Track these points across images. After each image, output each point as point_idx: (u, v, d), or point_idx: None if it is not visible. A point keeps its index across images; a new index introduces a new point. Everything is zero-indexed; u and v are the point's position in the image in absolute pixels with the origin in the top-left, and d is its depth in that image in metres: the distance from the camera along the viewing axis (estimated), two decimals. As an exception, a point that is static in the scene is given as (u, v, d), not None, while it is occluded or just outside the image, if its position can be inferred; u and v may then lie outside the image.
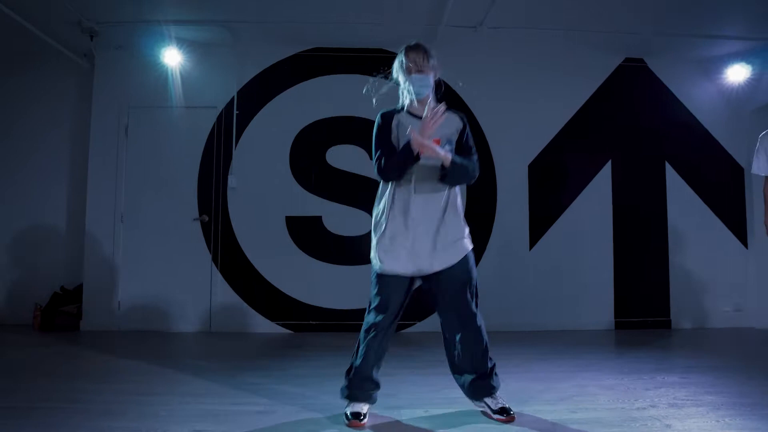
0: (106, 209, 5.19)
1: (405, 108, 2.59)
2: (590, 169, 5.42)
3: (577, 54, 5.38)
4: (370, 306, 2.55)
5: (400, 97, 2.63)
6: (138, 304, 5.14)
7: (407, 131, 2.42)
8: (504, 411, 2.48)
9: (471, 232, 2.58)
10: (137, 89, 5.25)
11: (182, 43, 5.09)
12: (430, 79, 2.53)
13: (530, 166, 5.36)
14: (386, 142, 2.53)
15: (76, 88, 5.48)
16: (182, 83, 5.23)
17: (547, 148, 5.38)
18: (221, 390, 3.00)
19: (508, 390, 3.00)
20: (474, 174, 2.58)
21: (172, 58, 5.10)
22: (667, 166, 5.44)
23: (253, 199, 5.23)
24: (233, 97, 5.30)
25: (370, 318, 2.53)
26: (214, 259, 5.20)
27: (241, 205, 5.22)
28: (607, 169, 5.41)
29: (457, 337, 2.54)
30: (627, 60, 5.48)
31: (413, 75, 2.50)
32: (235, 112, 5.29)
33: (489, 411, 2.53)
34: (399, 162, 2.44)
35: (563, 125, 5.40)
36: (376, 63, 5.24)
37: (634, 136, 5.45)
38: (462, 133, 2.59)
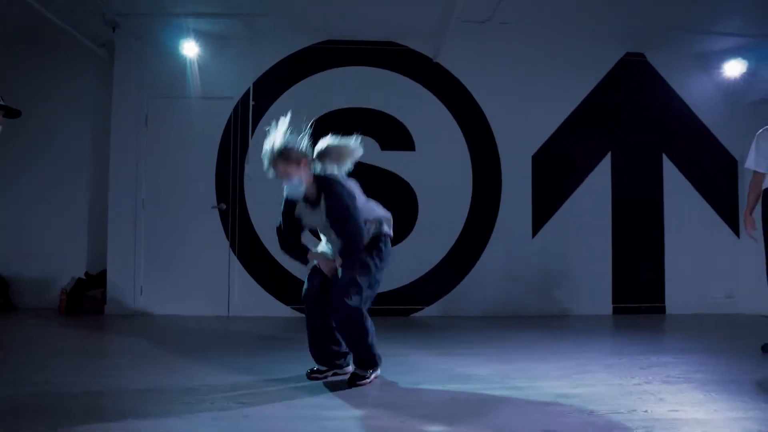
0: (127, 195, 5.37)
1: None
2: (591, 160, 5.62)
3: (581, 49, 5.56)
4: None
5: None
6: (159, 289, 5.35)
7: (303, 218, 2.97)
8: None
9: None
10: (156, 80, 5.41)
11: (200, 35, 5.26)
12: (298, 180, 2.81)
13: (534, 158, 5.56)
14: (290, 215, 3.01)
15: (96, 78, 5.63)
16: (200, 74, 5.38)
17: (550, 140, 5.58)
18: (228, 368, 3.25)
19: (517, 367, 3.28)
20: (355, 239, 2.82)
21: (190, 49, 5.26)
22: (665, 157, 5.66)
23: (270, 187, 5.36)
24: (249, 88, 5.47)
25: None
26: (232, 246, 5.41)
27: (258, 193, 5.42)
28: (607, 161, 5.62)
29: None
30: (628, 54, 5.66)
31: (285, 183, 2.84)
32: (251, 102, 5.46)
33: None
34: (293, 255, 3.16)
35: (565, 118, 5.59)
36: (387, 56, 5.49)
37: (633, 129, 5.65)
38: (326, 211, 2.85)
